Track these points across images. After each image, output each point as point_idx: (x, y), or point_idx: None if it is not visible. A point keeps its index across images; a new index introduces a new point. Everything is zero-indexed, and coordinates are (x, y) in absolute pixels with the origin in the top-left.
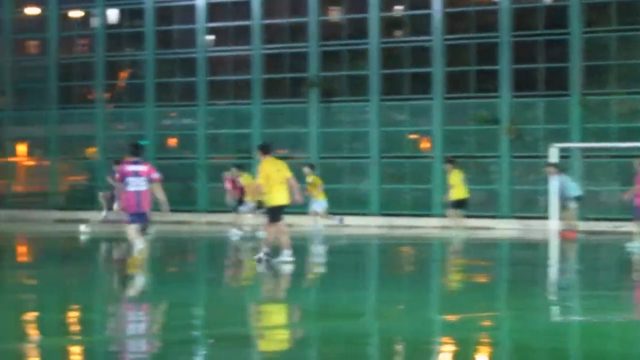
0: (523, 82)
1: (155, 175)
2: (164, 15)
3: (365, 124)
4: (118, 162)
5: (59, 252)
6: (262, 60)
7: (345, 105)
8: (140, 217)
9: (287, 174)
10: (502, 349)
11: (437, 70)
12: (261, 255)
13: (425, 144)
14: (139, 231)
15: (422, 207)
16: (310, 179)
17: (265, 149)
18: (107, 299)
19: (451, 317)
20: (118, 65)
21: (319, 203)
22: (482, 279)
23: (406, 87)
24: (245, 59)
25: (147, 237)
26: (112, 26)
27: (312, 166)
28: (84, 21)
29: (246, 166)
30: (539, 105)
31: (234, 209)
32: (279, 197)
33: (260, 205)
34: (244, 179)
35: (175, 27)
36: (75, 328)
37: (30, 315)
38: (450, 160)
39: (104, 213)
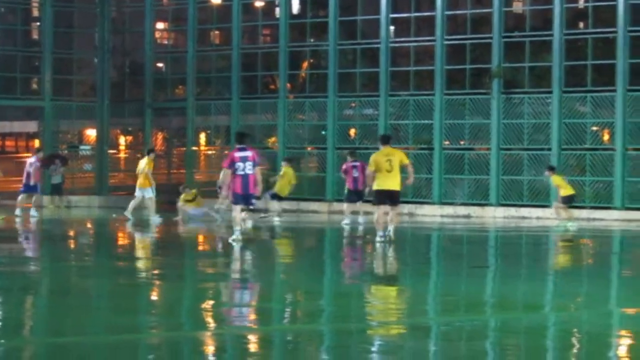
0: None
1: (258, 160)
2: (347, 5)
3: (547, 116)
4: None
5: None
6: (444, 51)
7: (527, 96)
8: (245, 199)
9: (405, 160)
10: None
11: (621, 61)
12: (378, 238)
13: (607, 136)
14: (241, 212)
15: (603, 200)
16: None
17: (383, 140)
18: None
19: (630, 310)
20: (300, 56)
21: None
22: None
23: (589, 79)
24: (428, 49)
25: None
26: (295, 16)
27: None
28: (267, 11)
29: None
30: None
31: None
32: (381, 183)
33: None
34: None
35: (358, 17)
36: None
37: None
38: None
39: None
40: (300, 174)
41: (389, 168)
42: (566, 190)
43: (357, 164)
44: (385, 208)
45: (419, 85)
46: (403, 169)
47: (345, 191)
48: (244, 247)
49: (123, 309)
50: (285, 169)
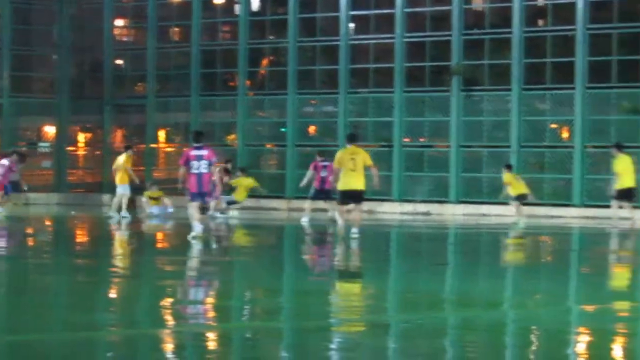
0: None
1: (215, 159)
2: (307, 2)
3: (507, 113)
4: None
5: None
6: (404, 49)
7: (487, 94)
8: (201, 196)
9: (368, 162)
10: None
11: (580, 59)
12: (338, 226)
13: (566, 134)
14: (199, 210)
15: (562, 197)
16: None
17: (349, 138)
18: None
19: (589, 307)
20: (260, 53)
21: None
22: (624, 269)
23: (548, 77)
24: (388, 47)
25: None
26: (255, 13)
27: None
28: (226, 8)
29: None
30: None
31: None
32: (345, 182)
33: None
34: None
35: (318, 14)
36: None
37: None
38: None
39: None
40: (259, 171)
41: (352, 167)
42: (516, 190)
43: (327, 164)
44: (348, 207)
45: (378, 82)
46: (367, 169)
47: (312, 190)
48: (203, 244)
49: (81, 307)
50: (242, 178)
